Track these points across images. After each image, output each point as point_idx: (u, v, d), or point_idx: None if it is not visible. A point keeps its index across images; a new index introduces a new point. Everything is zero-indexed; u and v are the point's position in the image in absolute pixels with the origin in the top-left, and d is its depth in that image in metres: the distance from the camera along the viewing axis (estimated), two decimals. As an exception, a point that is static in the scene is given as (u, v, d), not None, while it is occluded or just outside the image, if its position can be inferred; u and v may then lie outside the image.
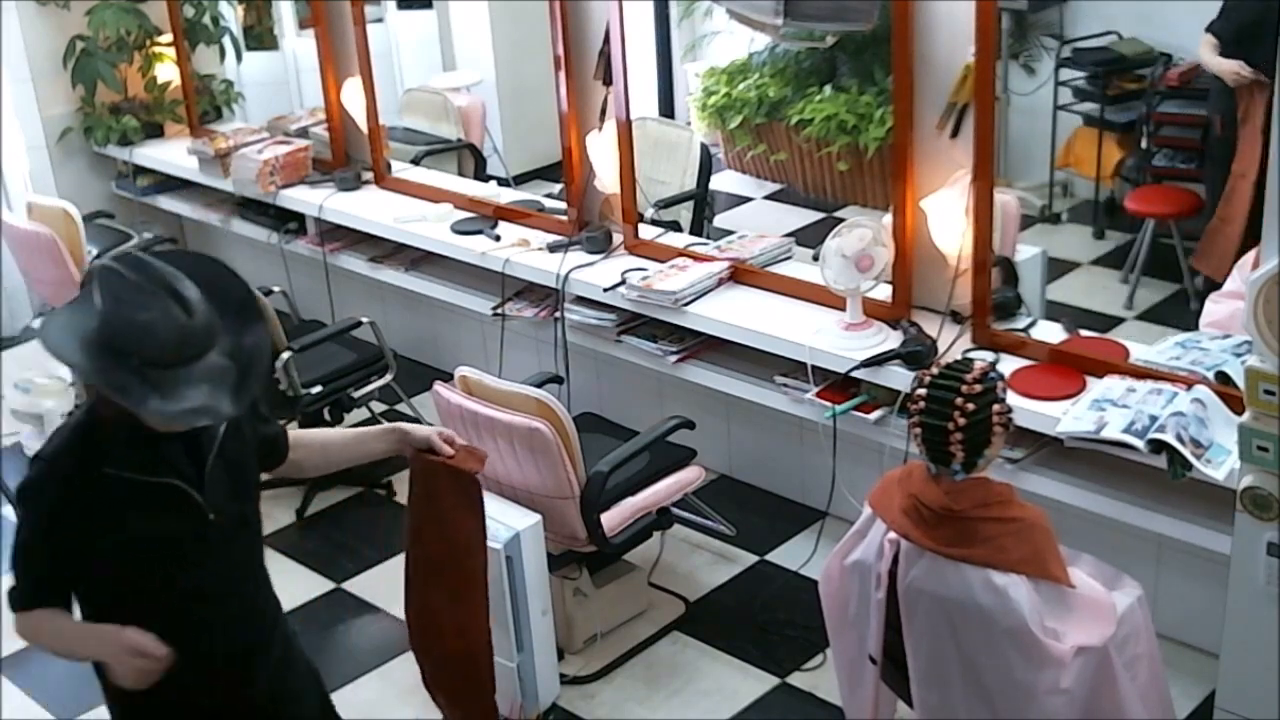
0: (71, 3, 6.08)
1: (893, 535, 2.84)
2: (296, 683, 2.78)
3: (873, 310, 3.91)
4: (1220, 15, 5.10)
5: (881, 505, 2.90)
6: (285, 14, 6.64)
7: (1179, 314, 5.13)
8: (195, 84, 6.19)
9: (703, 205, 5.28)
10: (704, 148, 5.33)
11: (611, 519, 3.73)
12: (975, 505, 2.75)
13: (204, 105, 6.23)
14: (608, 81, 4.45)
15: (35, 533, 2.43)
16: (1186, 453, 3.11)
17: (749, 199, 6.90)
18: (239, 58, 6.36)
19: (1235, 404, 3.12)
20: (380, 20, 6.49)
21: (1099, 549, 3.15)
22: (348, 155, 5.55)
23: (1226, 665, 2.92)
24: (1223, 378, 3.30)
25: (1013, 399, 2.95)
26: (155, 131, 6.25)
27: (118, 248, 5.43)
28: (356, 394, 4.75)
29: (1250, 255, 3.49)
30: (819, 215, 6.54)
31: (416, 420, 5.09)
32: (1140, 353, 3.56)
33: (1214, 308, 3.72)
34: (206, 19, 6.20)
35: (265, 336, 2.46)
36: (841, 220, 4.77)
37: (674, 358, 4.24)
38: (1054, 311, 4.30)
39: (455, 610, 2.91)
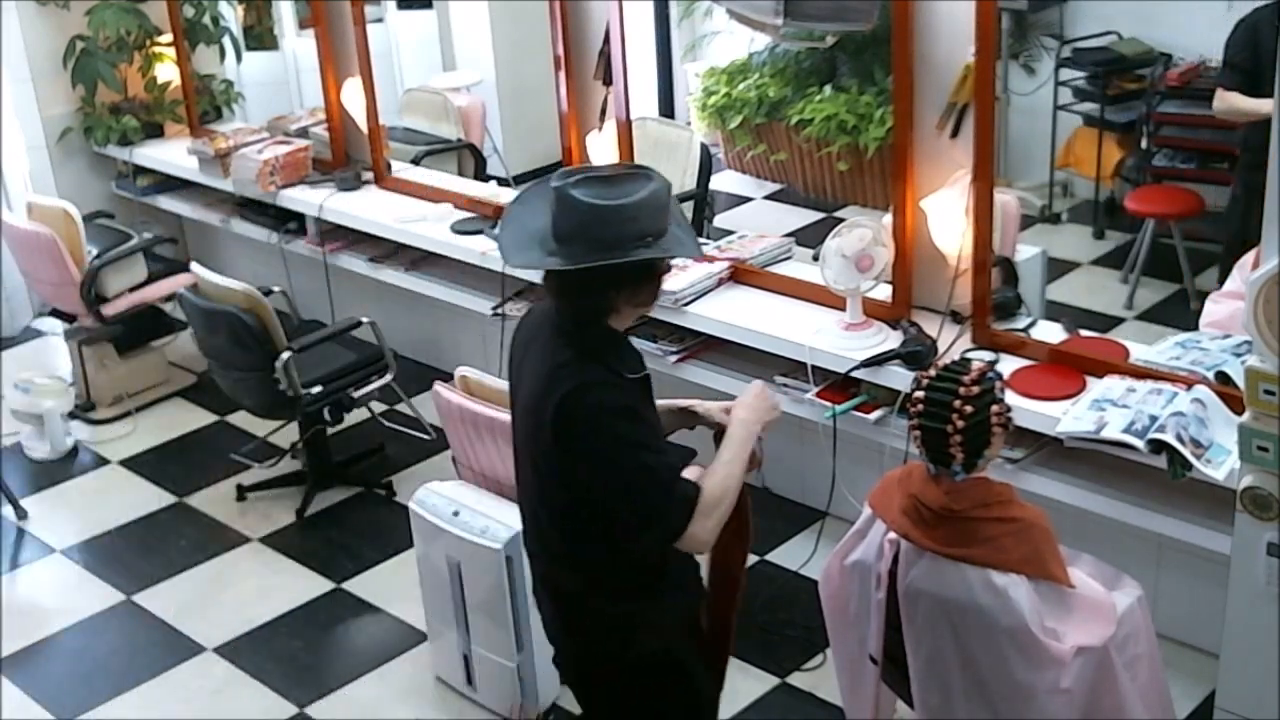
0: (71, 3, 6.08)
1: (893, 535, 2.84)
2: None
3: (873, 310, 3.91)
4: (1226, 67, 4.94)
5: (881, 505, 2.90)
6: (285, 14, 6.63)
7: (1179, 314, 5.13)
8: (195, 84, 6.18)
9: (703, 205, 5.28)
10: (704, 148, 5.33)
11: (611, 519, 3.73)
12: (975, 505, 2.75)
13: (204, 105, 6.23)
14: (608, 81, 4.45)
15: (644, 436, 2.49)
16: (1186, 453, 3.11)
17: (749, 199, 6.90)
18: (239, 58, 6.35)
19: (1235, 404, 3.12)
20: (380, 20, 6.48)
21: (1099, 549, 3.16)
22: (348, 155, 5.55)
23: (1226, 665, 2.92)
24: (1223, 378, 3.30)
25: (1013, 399, 2.96)
26: (155, 131, 6.24)
27: (118, 248, 5.43)
28: (356, 394, 4.75)
29: (1250, 255, 3.49)
30: (819, 215, 6.54)
31: (418, 419, 5.09)
32: (1140, 353, 3.56)
33: (1214, 308, 3.72)
34: (206, 19, 6.19)
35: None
36: (841, 220, 4.77)
37: (674, 358, 4.24)
38: (1054, 311, 4.30)
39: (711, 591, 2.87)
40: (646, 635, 2.67)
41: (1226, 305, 3.63)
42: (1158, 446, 3.14)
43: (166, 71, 6.19)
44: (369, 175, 5.45)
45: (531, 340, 2.63)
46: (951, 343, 3.74)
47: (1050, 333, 3.76)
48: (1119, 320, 5.33)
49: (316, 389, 4.61)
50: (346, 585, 4.40)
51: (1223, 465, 3.11)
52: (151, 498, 4.98)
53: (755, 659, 3.89)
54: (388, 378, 4.85)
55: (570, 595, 2.68)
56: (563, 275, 2.50)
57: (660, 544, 2.51)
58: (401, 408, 5.19)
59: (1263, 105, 4.65)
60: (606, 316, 2.55)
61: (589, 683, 2.81)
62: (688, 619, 2.76)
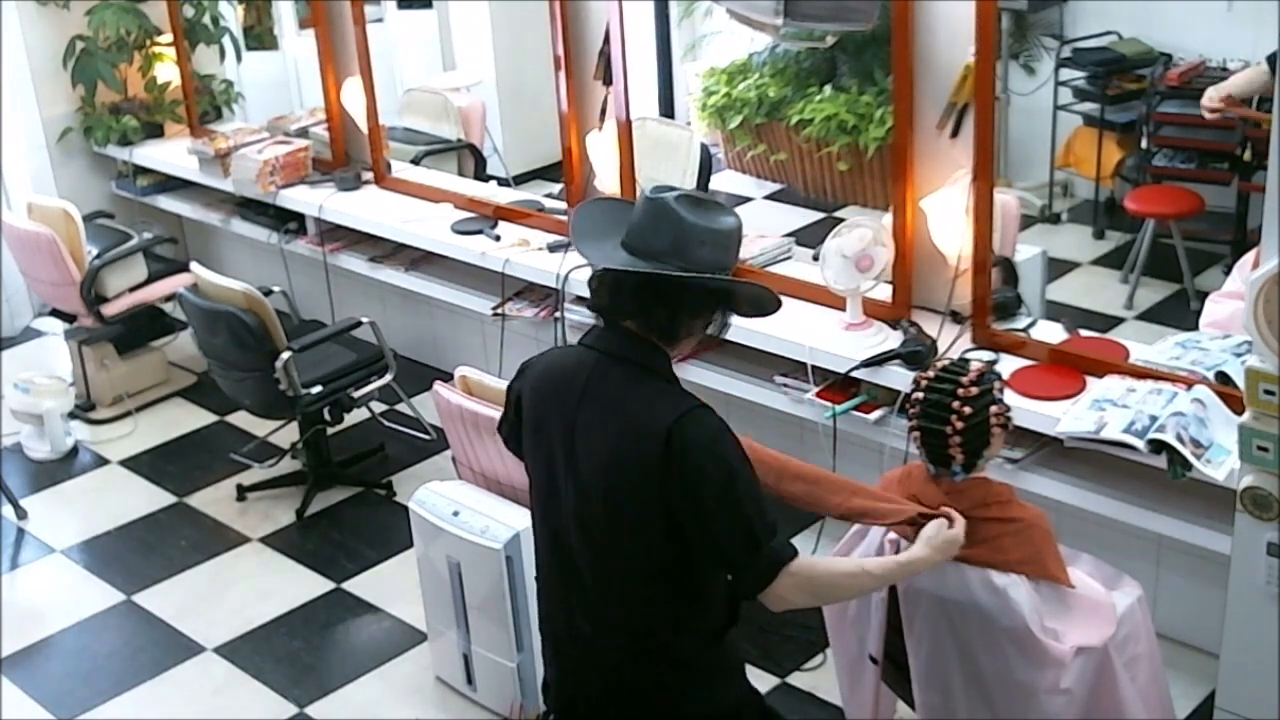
0: (71, 3, 6.08)
1: (893, 535, 2.84)
2: None
3: (873, 310, 3.91)
4: None
5: (881, 505, 2.90)
6: (285, 14, 6.63)
7: (1179, 314, 5.13)
8: (195, 84, 6.18)
9: (702, 205, 5.26)
10: (704, 148, 5.33)
11: (611, 519, 3.72)
12: (975, 505, 2.75)
13: (204, 105, 6.23)
14: (608, 81, 4.45)
15: (751, 474, 2.37)
16: (1186, 453, 3.11)
17: (749, 199, 6.90)
18: (239, 58, 6.35)
19: (1235, 404, 3.12)
20: (380, 20, 6.48)
21: (1099, 549, 3.16)
22: (348, 155, 5.55)
23: (1226, 665, 2.92)
24: (1223, 378, 3.30)
25: (1013, 399, 2.96)
26: (155, 131, 6.24)
27: (118, 248, 5.43)
28: (356, 394, 4.75)
29: (1250, 255, 3.49)
30: (819, 215, 6.54)
31: (418, 419, 5.10)
32: (1140, 353, 3.56)
33: (1214, 308, 3.72)
34: (206, 19, 6.19)
35: None
36: (841, 220, 4.77)
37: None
38: (1054, 311, 4.30)
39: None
40: (721, 692, 2.53)
41: (1226, 305, 3.63)
42: (1158, 446, 3.14)
43: (166, 71, 6.19)
44: (369, 175, 5.45)
45: (574, 384, 2.40)
46: (951, 343, 3.74)
47: (1050, 333, 3.76)
48: (1119, 320, 5.33)
49: (316, 389, 4.61)
50: (346, 585, 4.40)
51: (1223, 465, 3.11)
52: (151, 498, 4.98)
53: (755, 659, 3.88)
54: (388, 378, 4.85)
55: (634, 659, 2.47)
56: (646, 289, 2.33)
57: (743, 589, 2.38)
58: (401, 408, 5.19)
59: None
60: (676, 343, 2.41)
61: None
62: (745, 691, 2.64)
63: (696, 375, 4.23)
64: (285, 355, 4.49)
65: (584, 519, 2.40)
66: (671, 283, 2.34)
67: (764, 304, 2.53)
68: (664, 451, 2.28)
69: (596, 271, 2.43)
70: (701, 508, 2.31)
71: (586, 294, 4.35)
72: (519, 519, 3.56)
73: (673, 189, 2.40)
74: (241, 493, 4.90)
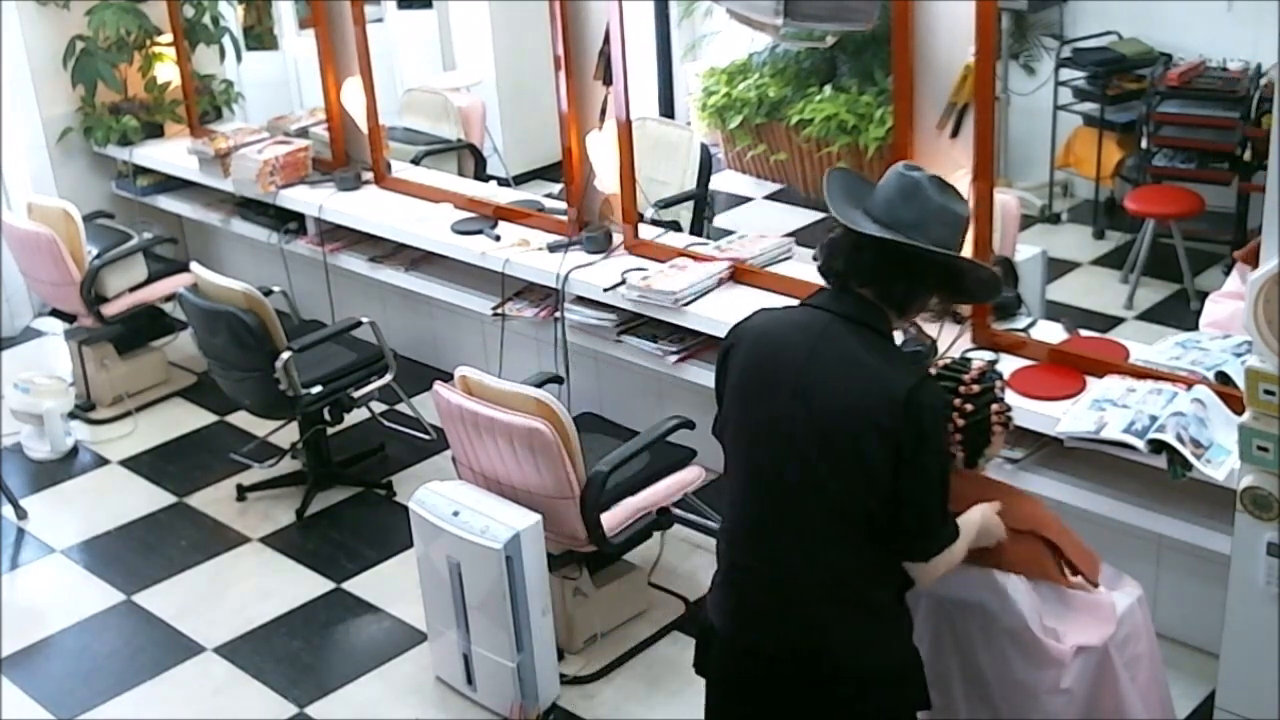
0: (71, 3, 6.08)
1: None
2: None
3: (873, 310, 3.91)
4: None
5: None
6: (285, 14, 6.64)
7: (1179, 314, 5.14)
8: (195, 84, 6.19)
9: (703, 205, 5.28)
10: (704, 148, 5.33)
11: (611, 519, 3.73)
12: (975, 505, 2.74)
13: (204, 105, 6.23)
14: (608, 81, 4.45)
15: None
16: (1186, 453, 3.11)
17: (749, 199, 6.90)
18: (239, 58, 6.35)
19: (1235, 404, 3.12)
20: (380, 20, 6.49)
21: (1099, 549, 3.15)
22: (348, 155, 5.55)
23: (1226, 665, 2.92)
24: (1223, 378, 3.30)
25: (1013, 399, 2.95)
26: (155, 131, 6.24)
27: (118, 248, 5.43)
28: (356, 394, 4.75)
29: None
30: (819, 215, 6.53)
31: (418, 419, 5.09)
32: (1140, 353, 3.56)
33: (1214, 308, 3.72)
34: (206, 19, 6.20)
35: None
36: (842, 220, 4.76)
37: (674, 358, 4.24)
38: (1054, 311, 4.30)
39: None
40: (900, 645, 2.63)
41: (1226, 305, 3.63)
42: (1158, 446, 3.14)
43: (166, 71, 6.19)
44: (369, 175, 5.45)
45: (806, 337, 2.51)
46: (952, 342, 3.74)
47: (1050, 333, 3.76)
48: (1119, 320, 5.33)
49: (316, 389, 4.61)
50: (346, 585, 4.40)
51: (1223, 465, 3.11)
52: (151, 498, 4.98)
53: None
54: (388, 378, 4.85)
55: (830, 602, 2.53)
56: (890, 258, 2.46)
57: (916, 553, 2.52)
58: (401, 408, 5.19)
59: None
60: (907, 313, 2.56)
61: (824, 697, 2.59)
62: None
63: (697, 375, 4.23)
64: (285, 355, 4.49)
65: (811, 462, 2.48)
66: (918, 254, 2.46)
67: (990, 290, 2.66)
68: (903, 413, 2.41)
69: (834, 235, 2.54)
70: (925, 469, 2.45)
71: (593, 296, 4.41)
72: (519, 519, 3.56)
73: (921, 169, 2.55)
74: (241, 493, 4.90)
